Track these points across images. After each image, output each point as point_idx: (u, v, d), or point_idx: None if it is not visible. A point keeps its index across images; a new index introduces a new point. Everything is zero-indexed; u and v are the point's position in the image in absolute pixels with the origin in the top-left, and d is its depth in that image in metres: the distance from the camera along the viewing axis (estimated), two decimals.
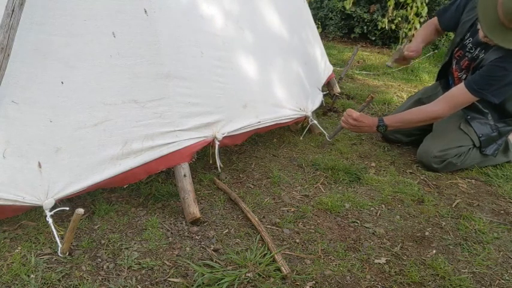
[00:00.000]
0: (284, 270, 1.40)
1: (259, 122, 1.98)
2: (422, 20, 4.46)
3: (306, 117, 2.33)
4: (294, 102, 2.23)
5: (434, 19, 2.35)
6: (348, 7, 4.94)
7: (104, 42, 1.51)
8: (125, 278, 1.37)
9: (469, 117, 2.14)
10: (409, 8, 4.46)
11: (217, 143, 1.79)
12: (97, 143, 1.50)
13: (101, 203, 1.72)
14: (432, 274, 1.47)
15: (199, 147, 1.72)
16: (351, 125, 2.19)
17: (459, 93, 2.03)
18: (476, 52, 2.06)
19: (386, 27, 4.84)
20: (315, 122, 2.37)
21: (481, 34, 1.98)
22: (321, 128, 2.39)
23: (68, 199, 1.52)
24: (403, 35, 4.80)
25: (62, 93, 1.46)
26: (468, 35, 2.12)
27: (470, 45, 2.10)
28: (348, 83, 3.63)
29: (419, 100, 2.40)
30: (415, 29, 4.51)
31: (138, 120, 1.57)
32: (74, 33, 1.48)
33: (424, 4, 4.41)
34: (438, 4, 4.94)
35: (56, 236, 1.44)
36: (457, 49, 2.20)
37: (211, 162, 1.89)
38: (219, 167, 1.89)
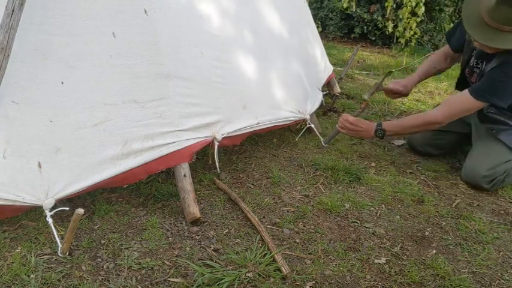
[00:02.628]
0: (284, 270, 1.40)
1: (258, 123, 1.98)
2: (418, 19, 4.44)
3: (304, 120, 2.33)
4: (293, 104, 2.23)
5: (446, 47, 2.33)
6: (345, 6, 4.94)
7: (104, 42, 1.51)
8: (124, 278, 1.36)
9: (494, 131, 2.07)
10: (404, 8, 4.44)
11: (216, 144, 1.79)
12: (97, 143, 1.50)
13: (101, 203, 1.72)
14: (432, 274, 1.47)
15: (199, 147, 1.72)
16: (348, 129, 2.20)
17: (462, 99, 1.99)
18: (480, 65, 2.05)
19: (390, 30, 4.83)
20: (312, 125, 2.37)
21: (475, 43, 1.96)
22: (317, 132, 2.39)
23: (68, 199, 1.52)
24: (398, 35, 4.81)
25: (62, 93, 1.46)
26: (474, 53, 2.09)
27: (476, 61, 2.08)
28: (348, 83, 3.63)
29: None
30: (411, 29, 4.49)
31: (138, 120, 1.57)
32: (74, 33, 1.48)
33: (421, 4, 4.38)
34: (438, 4, 4.94)
35: (56, 236, 1.43)
36: (466, 69, 2.18)
37: (210, 162, 1.89)
38: (218, 168, 1.89)
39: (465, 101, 1.98)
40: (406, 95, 2.51)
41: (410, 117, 2.20)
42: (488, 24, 1.79)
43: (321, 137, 2.39)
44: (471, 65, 2.11)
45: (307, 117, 2.32)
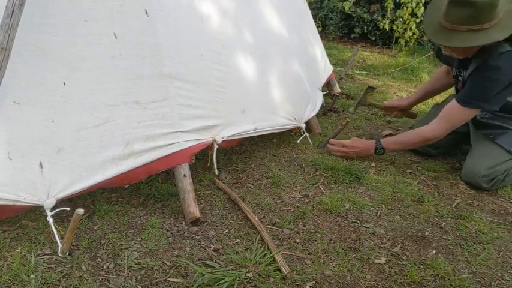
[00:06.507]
0: (284, 270, 1.41)
1: (255, 128, 1.98)
2: (418, 20, 4.45)
3: (299, 128, 2.33)
4: (291, 111, 2.23)
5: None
6: (346, 8, 4.94)
7: (105, 43, 1.51)
8: (124, 278, 1.37)
9: (491, 136, 2.08)
10: (405, 8, 4.45)
11: (215, 146, 1.79)
12: (99, 144, 1.50)
13: (101, 203, 1.72)
14: (432, 274, 1.47)
15: (199, 149, 1.73)
16: (347, 153, 2.22)
17: (454, 111, 2.02)
18: (462, 73, 2.10)
19: (387, 28, 4.85)
20: (307, 134, 2.38)
21: (443, 50, 2.04)
22: (311, 141, 2.39)
23: (68, 199, 1.52)
24: (398, 35, 4.81)
25: (64, 94, 1.46)
26: (455, 62, 2.15)
27: (457, 70, 2.13)
28: (348, 83, 3.63)
29: None
30: (410, 29, 4.50)
31: (140, 121, 1.57)
32: (75, 34, 1.48)
33: (421, 4, 4.39)
34: None
35: (56, 236, 1.44)
36: (453, 79, 2.24)
37: (209, 165, 1.89)
38: (216, 170, 1.90)
39: (457, 112, 2.01)
40: (404, 110, 2.59)
41: (408, 133, 2.23)
42: (446, 27, 1.86)
43: (311, 142, 2.39)
44: (454, 74, 2.17)
45: (302, 125, 2.32)
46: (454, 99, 2.04)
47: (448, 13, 1.84)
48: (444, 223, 1.77)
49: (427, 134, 2.09)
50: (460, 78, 2.13)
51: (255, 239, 1.57)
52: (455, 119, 2.03)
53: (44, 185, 1.42)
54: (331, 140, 2.30)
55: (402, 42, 4.75)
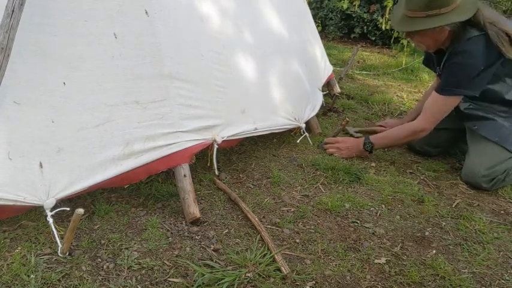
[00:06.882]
0: (284, 270, 1.41)
1: (255, 128, 1.98)
2: None
3: (299, 128, 2.33)
4: (291, 111, 2.23)
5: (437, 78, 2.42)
6: (345, 7, 4.94)
7: (105, 43, 1.51)
8: (124, 278, 1.37)
9: (476, 127, 2.08)
10: None
11: (215, 146, 1.79)
12: (99, 144, 1.50)
13: (101, 203, 1.72)
14: (432, 274, 1.47)
15: (199, 149, 1.73)
16: (340, 149, 2.26)
17: (436, 102, 2.05)
18: (437, 67, 2.16)
19: (383, 27, 4.85)
20: (307, 134, 2.38)
21: (416, 45, 2.13)
22: (311, 141, 2.39)
23: (68, 199, 1.52)
24: (397, 35, 4.80)
25: (64, 94, 1.46)
26: (435, 62, 2.21)
27: (438, 68, 2.17)
28: (348, 83, 3.63)
29: None
30: None
31: (140, 121, 1.57)
32: (75, 34, 1.48)
33: None
34: None
35: (56, 236, 1.44)
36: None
37: (209, 165, 1.89)
38: (216, 170, 1.90)
39: (438, 102, 2.04)
40: None
41: (396, 128, 2.26)
42: (408, 16, 1.96)
43: (310, 141, 2.39)
44: (438, 73, 2.21)
45: (302, 125, 2.32)
46: (434, 92, 2.07)
47: (408, 2, 1.94)
48: (444, 223, 1.77)
49: (414, 127, 2.13)
50: (439, 71, 2.16)
51: (255, 239, 1.57)
52: (438, 109, 2.06)
53: (44, 185, 1.42)
54: (327, 139, 2.34)
55: (404, 42, 4.76)
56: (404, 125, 2.25)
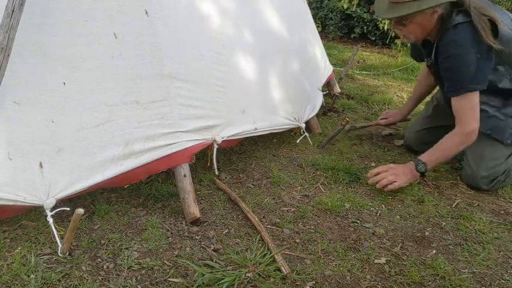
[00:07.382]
0: (284, 270, 1.41)
1: (255, 128, 1.98)
2: None
3: (299, 128, 2.33)
4: (291, 111, 2.23)
5: (425, 66, 2.35)
6: (345, 7, 4.95)
7: (105, 43, 1.51)
8: (124, 278, 1.37)
9: None
10: None
11: (215, 146, 1.79)
12: (99, 144, 1.50)
13: (101, 203, 1.72)
14: (432, 274, 1.47)
15: (199, 149, 1.73)
16: (396, 175, 1.95)
17: (460, 105, 1.92)
18: (429, 59, 2.09)
19: (384, 27, 4.86)
20: (307, 134, 2.38)
21: (402, 37, 2.06)
22: (311, 141, 2.39)
23: (68, 199, 1.52)
24: (394, 34, 4.81)
25: (64, 94, 1.46)
26: (424, 52, 2.15)
27: (427, 59, 2.12)
28: (348, 83, 3.63)
29: (438, 106, 2.34)
30: None
31: (140, 121, 1.57)
32: (75, 34, 1.48)
33: None
34: None
35: (56, 236, 1.44)
36: (431, 70, 2.22)
37: (209, 165, 1.89)
38: (216, 170, 1.90)
39: (461, 103, 1.91)
40: (401, 120, 2.60)
41: (444, 141, 2.00)
42: (392, 2, 1.89)
43: (310, 141, 2.38)
44: (428, 64, 2.15)
45: (302, 125, 2.32)
46: (450, 98, 1.95)
47: None
48: (444, 223, 1.77)
49: (464, 129, 1.92)
50: (430, 61, 2.09)
51: (255, 239, 1.57)
52: (468, 107, 1.90)
53: (44, 185, 1.42)
54: (372, 171, 2.00)
55: (398, 42, 4.78)
56: (450, 135, 1.97)
